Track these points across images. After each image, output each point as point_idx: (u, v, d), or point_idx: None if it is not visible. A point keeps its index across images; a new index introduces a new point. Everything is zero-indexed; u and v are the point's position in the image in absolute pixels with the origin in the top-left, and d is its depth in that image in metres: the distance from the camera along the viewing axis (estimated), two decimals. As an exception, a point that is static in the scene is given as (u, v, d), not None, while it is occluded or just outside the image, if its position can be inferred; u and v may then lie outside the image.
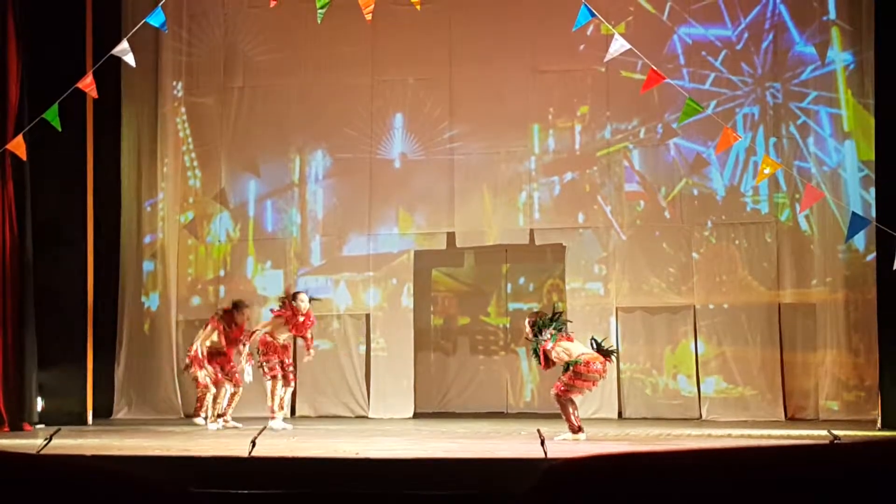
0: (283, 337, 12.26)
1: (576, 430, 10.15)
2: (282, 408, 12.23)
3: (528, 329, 10.47)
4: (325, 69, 14.17)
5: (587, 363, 10.12)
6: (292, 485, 7.45)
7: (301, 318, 12.09)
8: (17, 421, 11.98)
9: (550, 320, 10.37)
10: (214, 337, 12.31)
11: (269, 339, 12.12)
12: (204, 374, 12.31)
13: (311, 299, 12.30)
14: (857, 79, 12.75)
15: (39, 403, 12.59)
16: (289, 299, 12.22)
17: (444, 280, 14.75)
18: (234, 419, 12.34)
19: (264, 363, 12.13)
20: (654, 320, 13.41)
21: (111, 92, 13.59)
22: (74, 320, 12.93)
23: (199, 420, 12.43)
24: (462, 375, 14.45)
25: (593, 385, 10.42)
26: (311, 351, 12.23)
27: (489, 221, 13.87)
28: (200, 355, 12.33)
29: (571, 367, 10.13)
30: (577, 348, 10.28)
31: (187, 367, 12.69)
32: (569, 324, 10.73)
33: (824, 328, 12.77)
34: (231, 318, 12.35)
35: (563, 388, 10.17)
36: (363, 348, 14.04)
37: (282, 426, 11.86)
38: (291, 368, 12.27)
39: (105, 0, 13.40)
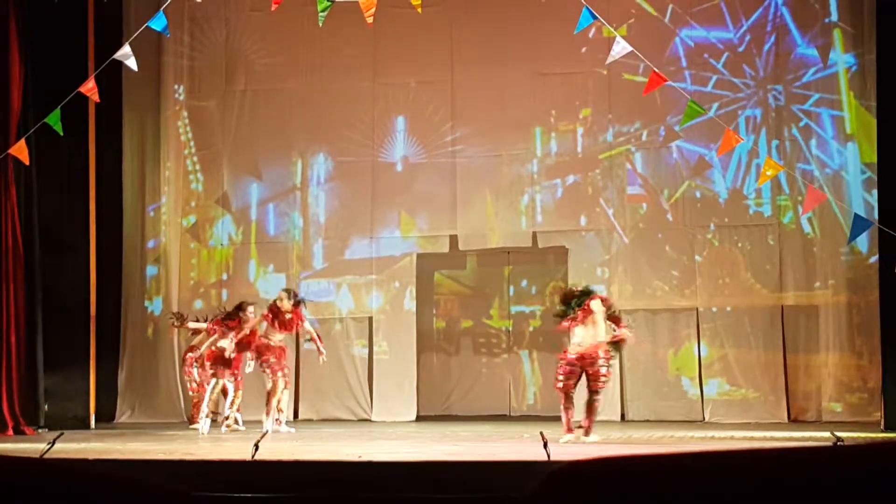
0: (278, 339, 12.26)
1: (566, 429, 10.24)
2: (280, 410, 12.24)
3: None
4: (326, 72, 14.18)
5: (563, 352, 10.47)
6: (295, 488, 7.45)
7: (288, 316, 12.12)
8: (23, 425, 12.00)
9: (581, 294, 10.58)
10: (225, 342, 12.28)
11: (263, 340, 12.17)
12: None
13: (298, 300, 12.30)
14: (858, 81, 12.75)
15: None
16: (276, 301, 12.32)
17: (446, 283, 14.75)
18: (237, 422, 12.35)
19: (263, 364, 12.17)
20: (657, 323, 13.40)
21: (113, 96, 13.59)
22: (77, 325, 12.94)
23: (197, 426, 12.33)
24: (465, 378, 14.44)
25: (560, 375, 10.43)
26: (322, 351, 12.27)
27: (491, 224, 13.87)
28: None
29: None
30: (575, 335, 10.45)
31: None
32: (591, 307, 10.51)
33: (827, 330, 12.77)
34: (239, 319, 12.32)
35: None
36: (366, 351, 14.04)
37: (275, 428, 11.89)
38: (288, 370, 12.27)
39: (107, 4, 13.40)
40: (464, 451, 9.57)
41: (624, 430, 12.02)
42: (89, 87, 10.99)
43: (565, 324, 10.49)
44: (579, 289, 10.80)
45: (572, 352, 10.34)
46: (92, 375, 13.01)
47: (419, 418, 13.70)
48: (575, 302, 10.46)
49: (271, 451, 8.58)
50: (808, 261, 12.97)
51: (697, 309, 13.26)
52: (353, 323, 14.10)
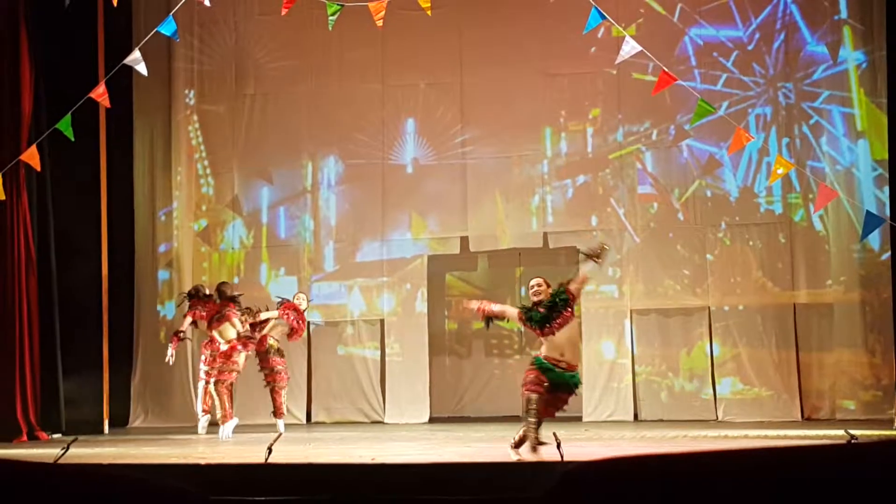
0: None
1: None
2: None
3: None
4: (336, 75, 14.19)
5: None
6: (308, 491, 7.46)
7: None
8: (37, 430, 12.04)
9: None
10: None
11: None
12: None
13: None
14: (869, 78, 12.71)
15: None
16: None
17: (458, 284, 14.75)
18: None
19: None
20: (669, 322, 13.37)
21: (124, 101, 13.65)
22: (90, 330, 12.98)
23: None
24: (477, 380, 14.44)
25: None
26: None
27: (502, 225, 13.86)
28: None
29: None
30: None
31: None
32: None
33: (840, 328, 12.73)
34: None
35: None
36: (378, 354, 14.04)
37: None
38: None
39: (116, 10, 13.43)
40: (477, 453, 9.57)
41: (637, 430, 12.00)
42: (100, 93, 11.02)
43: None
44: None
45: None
46: (105, 380, 13.06)
47: (432, 420, 13.70)
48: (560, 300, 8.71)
49: (284, 454, 8.59)
50: (820, 258, 12.93)
51: (709, 308, 13.22)
52: (364, 325, 14.11)
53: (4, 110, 12.21)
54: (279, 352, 12.47)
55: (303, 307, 12.55)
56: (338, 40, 13.41)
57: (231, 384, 12.25)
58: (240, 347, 12.21)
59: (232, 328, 12.22)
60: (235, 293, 12.53)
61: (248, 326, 12.51)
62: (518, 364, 14.34)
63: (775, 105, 13.13)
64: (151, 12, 13.65)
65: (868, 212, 11.03)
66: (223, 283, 12.85)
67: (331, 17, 10.63)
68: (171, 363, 12.64)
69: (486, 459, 8.86)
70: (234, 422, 12.12)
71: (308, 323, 12.77)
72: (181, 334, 12.48)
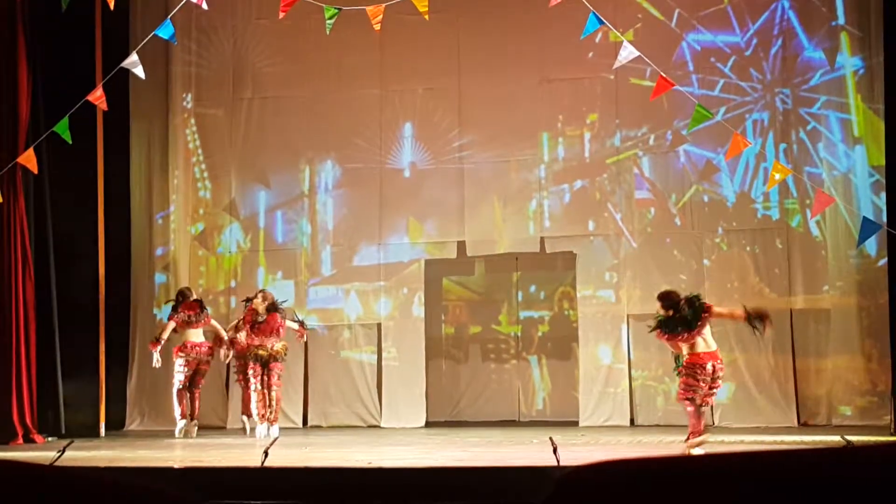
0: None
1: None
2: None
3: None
4: (333, 79, 14.19)
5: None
6: (305, 495, 7.46)
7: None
8: (33, 433, 12.03)
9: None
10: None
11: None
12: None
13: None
14: (866, 84, 12.73)
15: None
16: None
17: (454, 289, 14.74)
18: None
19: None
20: (666, 327, 13.34)
21: (121, 105, 13.62)
22: (87, 333, 12.97)
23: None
24: (474, 384, 14.42)
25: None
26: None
27: (499, 230, 13.86)
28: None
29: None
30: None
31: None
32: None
33: (836, 334, 12.73)
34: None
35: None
36: (375, 358, 14.03)
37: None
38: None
39: (114, 13, 13.43)
40: (473, 457, 9.58)
41: (633, 435, 12.01)
42: (97, 96, 11.03)
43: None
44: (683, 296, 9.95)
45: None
46: (101, 383, 13.04)
47: (428, 424, 13.69)
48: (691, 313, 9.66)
49: (281, 458, 8.58)
50: (817, 264, 12.94)
51: (706, 313, 13.20)
52: (361, 329, 14.10)
53: (2, 113, 12.21)
54: (257, 357, 12.47)
55: (259, 306, 12.51)
56: (336, 44, 13.40)
57: (179, 388, 12.76)
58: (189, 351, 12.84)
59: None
60: (178, 298, 12.98)
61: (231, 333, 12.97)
62: (514, 368, 14.34)
63: (772, 110, 13.14)
64: (149, 16, 13.64)
65: (865, 218, 11.04)
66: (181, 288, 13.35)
67: (328, 22, 10.64)
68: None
69: (483, 464, 8.88)
70: (180, 424, 12.65)
71: (276, 320, 12.60)
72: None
